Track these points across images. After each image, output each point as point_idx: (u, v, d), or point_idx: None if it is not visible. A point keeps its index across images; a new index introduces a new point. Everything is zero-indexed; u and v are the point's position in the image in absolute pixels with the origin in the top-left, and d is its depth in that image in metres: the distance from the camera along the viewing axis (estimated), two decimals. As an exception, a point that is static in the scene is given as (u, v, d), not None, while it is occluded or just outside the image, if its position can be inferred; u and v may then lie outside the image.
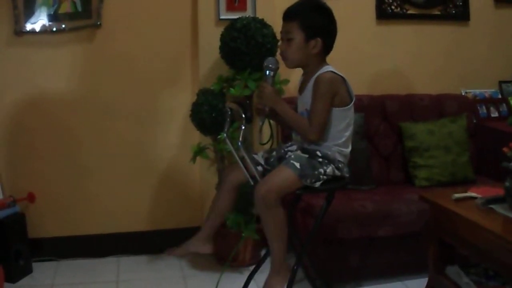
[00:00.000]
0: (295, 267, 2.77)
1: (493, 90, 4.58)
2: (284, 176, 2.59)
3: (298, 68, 2.83)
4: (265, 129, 2.84)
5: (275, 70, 2.73)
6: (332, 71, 2.67)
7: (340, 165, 2.71)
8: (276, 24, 3.38)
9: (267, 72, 2.72)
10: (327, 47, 2.74)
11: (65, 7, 3.74)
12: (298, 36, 2.68)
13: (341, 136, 2.71)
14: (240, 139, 2.68)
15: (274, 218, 2.60)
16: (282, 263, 2.68)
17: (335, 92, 2.65)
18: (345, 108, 2.69)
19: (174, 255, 2.95)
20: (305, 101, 2.74)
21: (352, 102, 2.71)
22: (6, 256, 3.56)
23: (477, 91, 4.52)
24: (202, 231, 2.92)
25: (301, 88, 2.82)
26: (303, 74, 2.83)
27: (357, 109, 2.79)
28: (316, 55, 2.71)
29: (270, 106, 2.71)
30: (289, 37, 2.70)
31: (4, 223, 3.58)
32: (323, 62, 2.74)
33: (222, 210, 2.89)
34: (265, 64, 2.73)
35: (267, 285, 2.70)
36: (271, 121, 3.00)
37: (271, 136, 2.96)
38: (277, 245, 2.66)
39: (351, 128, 2.75)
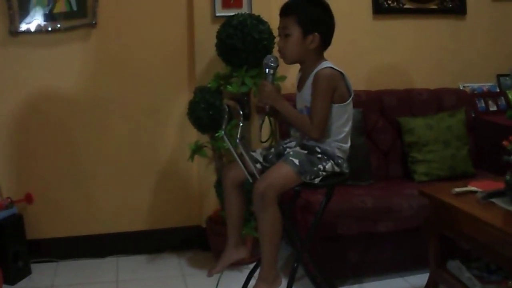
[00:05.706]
0: (295, 265, 2.74)
1: (491, 83, 4.57)
2: (283, 173, 2.55)
3: (295, 65, 2.80)
4: (265, 127, 2.82)
5: (275, 68, 2.69)
6: (331, 67, 2.64)
7: (339, 161, 2.69)
8: (273, 20, 3.37)
9: (267, 70, 2.69)
10: (325, 42, 2.71)
11: (60, 7, 3.71)
12: (295, 31, 2.65)
13: (340, 131, 2.69)
14: (238, 136, 2.65)
15: (270, 218, 2.54)
16: (271, 270, 2.61)
17: (335, 88, 2.62)
18: (344, 104, 2.66)
19: (216, 272, 2.89)
20: (304, 98, 2.71)
21: (351, 97, 2.68)
22: (4, 258, 3.54)
23: (475, 85, 4.51)
24: (230, 240, 2.86)
25: (300, 84, 2.79)
26: (301, 70, 2.80)
27: (355, 105, 2.77)
28: (314, 50, 2.68)
29: (271, 104, 2.68)
30: (287, 32, 2.67)
31: (2, 224, 3.56)
32: (321, 57, 2.71)
33: (235, 211, 2.83)
34: (265, 61, 2.69)
35: None
36: (271, 119, 2.97)
37: (271, 134, 2.93)
38: (269, 248, 2.59)
39: (350, 124, 2.72)
